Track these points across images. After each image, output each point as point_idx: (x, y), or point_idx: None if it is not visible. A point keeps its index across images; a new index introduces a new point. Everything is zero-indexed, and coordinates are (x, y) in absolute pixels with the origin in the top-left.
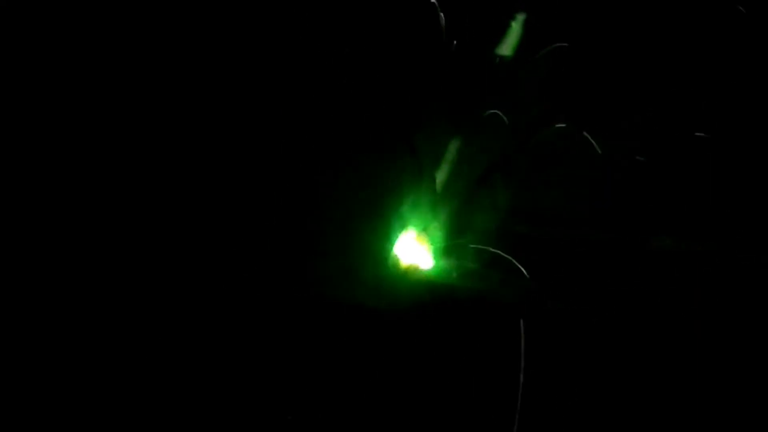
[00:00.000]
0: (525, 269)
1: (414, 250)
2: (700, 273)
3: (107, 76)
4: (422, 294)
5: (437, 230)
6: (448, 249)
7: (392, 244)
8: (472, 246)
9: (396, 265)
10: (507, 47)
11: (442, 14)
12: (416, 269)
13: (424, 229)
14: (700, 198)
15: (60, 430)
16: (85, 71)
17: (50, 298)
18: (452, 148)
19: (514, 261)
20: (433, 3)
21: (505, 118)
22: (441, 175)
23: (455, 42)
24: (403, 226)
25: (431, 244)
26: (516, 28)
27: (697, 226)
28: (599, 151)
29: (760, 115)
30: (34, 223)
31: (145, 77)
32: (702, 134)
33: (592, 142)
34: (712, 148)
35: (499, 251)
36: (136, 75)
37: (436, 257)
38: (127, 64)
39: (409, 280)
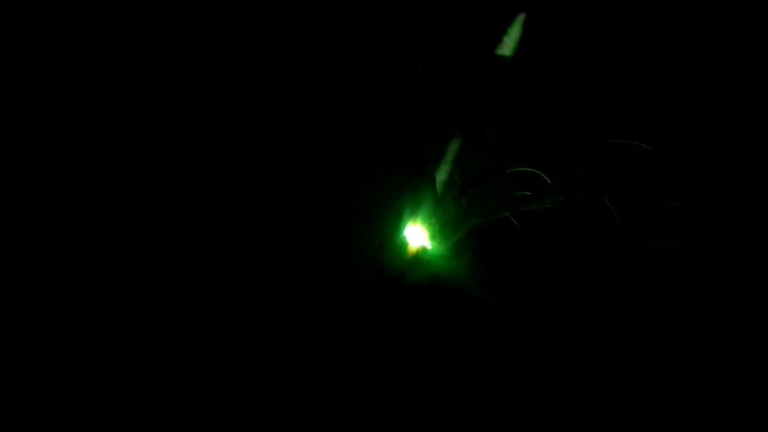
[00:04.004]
0: (524, 269)
1: (414, 249)
2: (700, 273)
3: (107, 76)
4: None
5: (437, 230)
6: (447, 248)
7: (394, 244)
8: (470, 246)
9: (401, 261)
10: (507, 48)
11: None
12: (416, 267)
13: (424, 229)
14: (700, 198)
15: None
16: (85, 71)
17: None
18: (452, 148)
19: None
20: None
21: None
22: (441, 175)
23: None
24: (403, 227)
25: (430, 243)
26: (515, 28)
27: (697, 226)
28: (598, 151)
29: (760, 115)
30: (33, 223)
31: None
32: (702, 134)
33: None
34: (712, 148)
35: (497, 251)
36: (143, 76)
37: (435, 256)
38: (128, 64)
39: (411, 278)
